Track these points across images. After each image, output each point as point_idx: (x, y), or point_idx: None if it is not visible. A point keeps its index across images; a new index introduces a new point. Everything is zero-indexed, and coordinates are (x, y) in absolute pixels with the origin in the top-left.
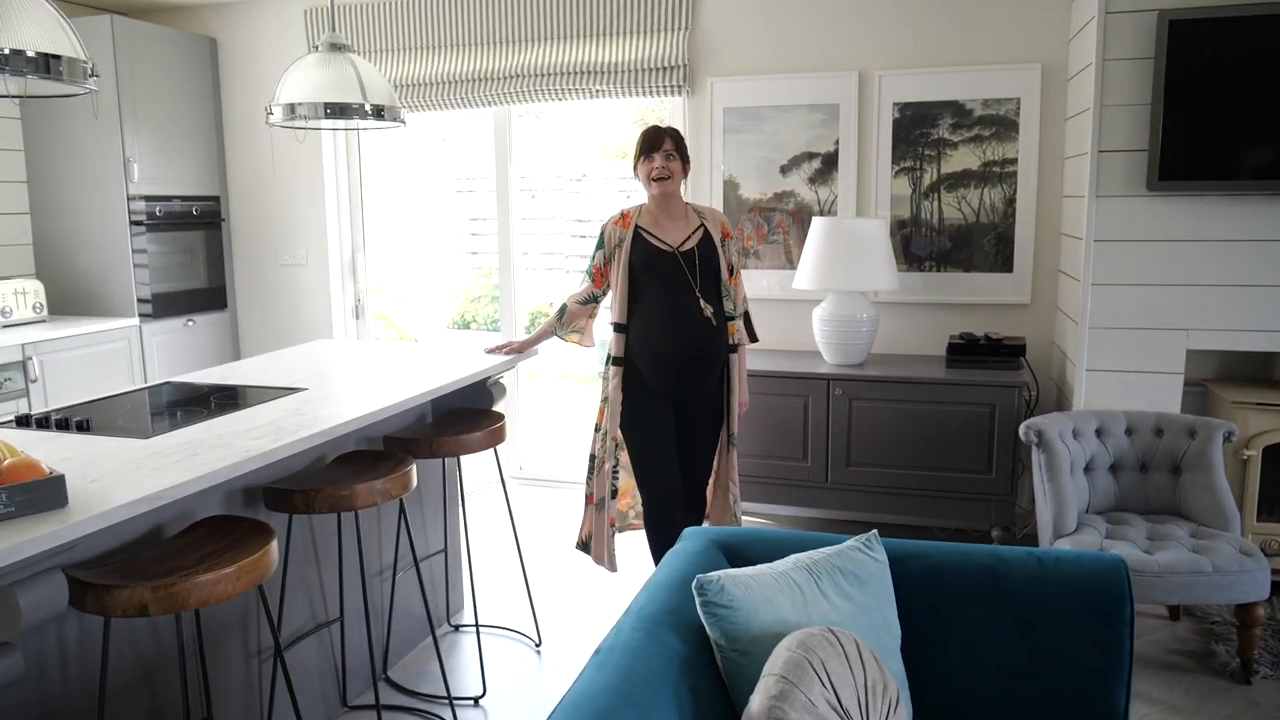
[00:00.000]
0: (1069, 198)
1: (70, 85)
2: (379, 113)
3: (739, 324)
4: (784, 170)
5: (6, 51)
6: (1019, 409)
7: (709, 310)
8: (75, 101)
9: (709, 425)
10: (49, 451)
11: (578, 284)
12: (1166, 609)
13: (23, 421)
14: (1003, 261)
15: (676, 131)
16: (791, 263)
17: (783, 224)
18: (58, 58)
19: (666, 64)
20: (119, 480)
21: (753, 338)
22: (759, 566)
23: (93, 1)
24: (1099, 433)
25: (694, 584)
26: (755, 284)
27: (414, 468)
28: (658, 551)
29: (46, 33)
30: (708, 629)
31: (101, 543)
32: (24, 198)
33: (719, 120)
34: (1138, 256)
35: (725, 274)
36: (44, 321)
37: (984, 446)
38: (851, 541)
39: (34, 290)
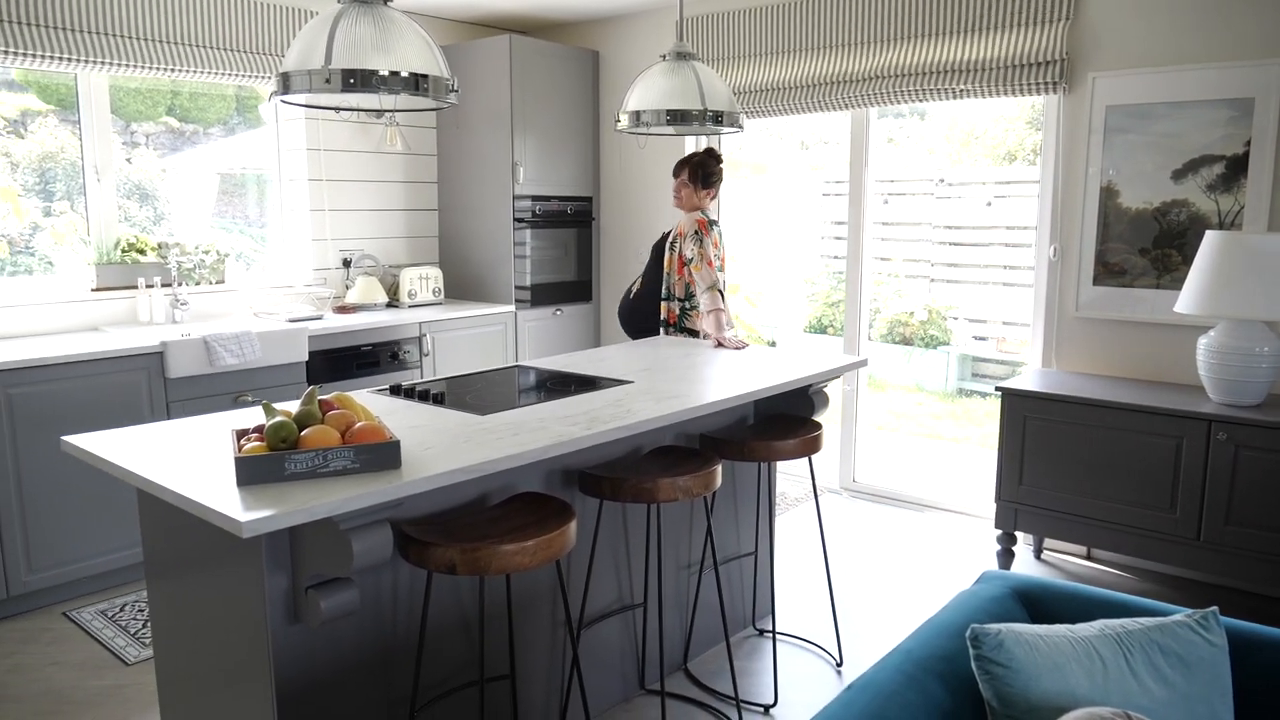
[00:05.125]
0: None
1: (435, 100)
2: (717, 119)
3: (702, 316)
4: (1176, 176)
5: (386, 74)
6: None
7: (633, 284)
8: (478, 111)
9: None
10: (403, 419)
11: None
12: None
13: (394, 390)
14: None
15: (690, 158)
16: (1176, 282)
17: (1173, 237)
18: (425, 77)
19: (1041, 59)
20: (447, 451)
21: (715, 333)
22: (1056, 626)
23: (495, 23)
24: None
25: (968, 634)
26: (1128, 305)
27: (719, 468)
28: None
29: (420, 55)
30: (980, 686)
31: (435, 502)
32: (434, 196)
33: (1099, 120)
34: None
35: (672, 265)
36: (440, 304)
37: None
38: (1182, 616)
39: (435, 276)
